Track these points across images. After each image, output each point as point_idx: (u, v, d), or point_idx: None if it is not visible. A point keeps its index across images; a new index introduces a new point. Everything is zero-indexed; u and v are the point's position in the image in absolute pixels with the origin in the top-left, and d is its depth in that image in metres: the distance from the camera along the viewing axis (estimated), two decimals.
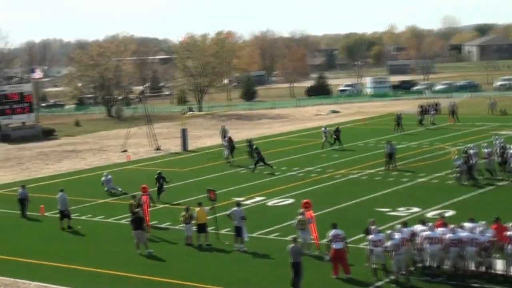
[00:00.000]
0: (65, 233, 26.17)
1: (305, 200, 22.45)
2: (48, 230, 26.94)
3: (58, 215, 27.33)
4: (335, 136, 44.75)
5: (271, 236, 24.16)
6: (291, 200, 29.72)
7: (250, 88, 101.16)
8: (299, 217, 21.86)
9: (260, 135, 55.83)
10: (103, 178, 33.93)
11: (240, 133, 58.10)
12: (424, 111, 57.19)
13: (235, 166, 39.35)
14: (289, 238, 21.79)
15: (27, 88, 65.46)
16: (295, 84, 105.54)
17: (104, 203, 31.32)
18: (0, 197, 34.46)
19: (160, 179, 32.32)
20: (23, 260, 22.73)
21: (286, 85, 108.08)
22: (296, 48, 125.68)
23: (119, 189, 33.51)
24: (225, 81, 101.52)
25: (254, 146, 39.32)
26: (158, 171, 33.62)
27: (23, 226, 27.92)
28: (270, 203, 29.67)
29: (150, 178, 34.00)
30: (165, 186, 31.38)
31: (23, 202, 29.51)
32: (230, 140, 40.54)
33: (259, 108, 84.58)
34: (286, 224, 25.04)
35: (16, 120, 63.99)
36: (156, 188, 31.17)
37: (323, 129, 45.99)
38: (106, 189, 33.45)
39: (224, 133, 48.64)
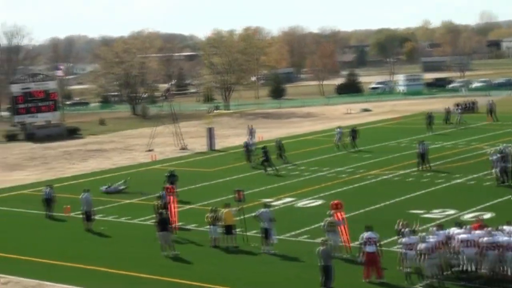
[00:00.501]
0: (90, 234, 26.47)
1: (335, 201, 22.39)
2: (73, 231, 27.26)
3: (82, 216, 27.62)
4: (351, 137, 43.97)
5: (300, 238, 24.16)
6: (320, 201, 29.65)
7: (278, 86, 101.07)
8: (329, 218, 21.81)
9: (288, 134, 55.75)
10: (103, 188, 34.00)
11: (268, 133, 58.09)
12: (463, 109, 56.71)
13: (261, 167, 39.35)
14: (318, 240, 21.74)
15: (52, 85, 66.23)
16: (325, 82, 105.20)
17: (129, 203, 31.61)
18: (25, 197, 34.98)
19: (172, 177, 32.56)
20: (48, 262, 23.05)
21: (316, 82, 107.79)
22: (325, 45, 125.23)
23: (122, 186, 33.90)
24: (253, 78, 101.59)
25: (263, 146, 39.20)
26: (171, 170, 33.82)
27: (48, 227, 28.31)
28: (299, 204, 29.66)
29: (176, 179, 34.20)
30: (178, 190, 31.01)
31: (48, 202, 29.88)
32: (247, 145, 40.12)
33: (287, 107, 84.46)
34: (315, 226, 24.96)
35: (41, 119, 64.78)
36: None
37: (337, 129, 45.26)
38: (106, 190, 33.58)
39: (251, 133, 48.62)
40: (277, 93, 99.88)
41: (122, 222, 28.16)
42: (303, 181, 34.67)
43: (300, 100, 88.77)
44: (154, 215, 26.05)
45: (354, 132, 44.41)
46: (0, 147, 58.31)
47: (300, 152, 44.13)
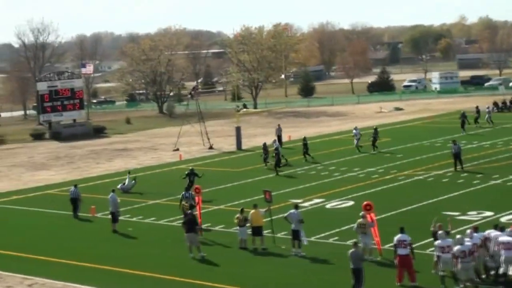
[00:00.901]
0: (116, 235, 26.67)
1: (366, 202, 22.26)
2: (99, 231, 27.51)
3: (109, 217, 27.86)
4: (372, 138, 43.11)
5: (330, 240, 24.08)
6: (351, 203, 29.53)
7: (308, 84, 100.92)
8: (360, 220, 21.70)
9: (318, 134, 55.63)
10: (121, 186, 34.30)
11: (297, 131, 58.02)
12: (502, 107, 55.95)
13: (289, 167, 39.31)
14: (349, 242, 21.64)
15: (78, 83, 66.84)
16: (356, 80, 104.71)
17: (155, 204, 31.79)
18: (51, 197, 35.39)
19: (191, 176, 32.60)
20: (74, 263, 23.27)
21: (346, 80, 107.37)
22: (357, 41, 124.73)
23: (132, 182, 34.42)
24: (282, 76, 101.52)
25: (275, 146, 38.99)
26: (190, 167, 33.94)
27: (74, 227, 28.59)
28: (329, 205, 29.57)
29: (202, 178, 34.36)
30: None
31: (75, 202, 30.16)
32: (265, 147, 39.80)
33: (317, 105, 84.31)
34: (346, 227, 24.90)
35: (67, 117, 65.43)
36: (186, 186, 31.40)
37: (354, 131, 44.45)
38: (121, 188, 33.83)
39: (278, 132, 48.56)
40: (307, 91, 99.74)
41: (148, 223, 28.34)
42: (332, 182, 34.55)
43: (330, 98, 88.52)
44: (181, 216, 26.20)
45: (376, 132, 43.62)
46: (26, 146, 59.14)
47: (330, 152, 43.98)
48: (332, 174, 36.53)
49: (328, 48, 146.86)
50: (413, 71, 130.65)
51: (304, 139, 42.14)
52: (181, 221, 24.58)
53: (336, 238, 24.24)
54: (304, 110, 79.34)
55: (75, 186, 30.84)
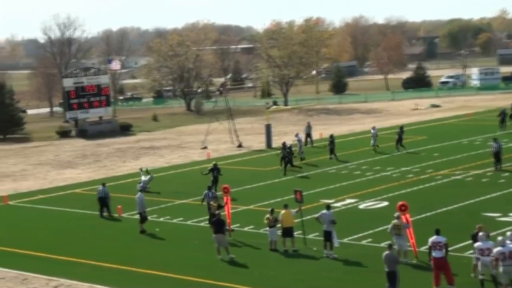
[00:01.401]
0: (143, 236, 26.83)
1: (401, 203, 22.10)
2: (126, 232, 27.71)
3: (137, 217, 28.02)
4: (397, 137, 42.41)
5: (363, 242, 23.96)
6: (385, 203, 29.36)
7: (340, 80, 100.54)
8: (395, 221, 21.56)
9: (350, 131, 55.40)
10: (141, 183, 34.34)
11: (328, 129, 57.77)
12: None
13: (315, 167, 39.22)
14: (383, 244, 21.51)
15: (104, 80, 67.40)
16: (390, 76, 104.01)
17: (183, 204, 31.92)
18: (77, 196, 35.76)
19: (214, 171, 32.63)
20: (100, 264, 23.46)
21: (380, 76, 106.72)
22: (391, 36, 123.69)
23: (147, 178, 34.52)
24: (313, 72, 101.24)
25: (288, 146, 38.65)
26: (214, 162, 34.05)
27: (100, 227, 28.84)
28: (362, 206, 29.44)
29: (231, 178, 34.50)
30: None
31: (103, 201, 30.38)
32: (284, 147, 39.34)
33: (349, 102, 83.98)
34: (380, 229, 24.79)
35: (93, 114, 66.00)
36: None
37: (372, 130, 43.78)
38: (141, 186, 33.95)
39: (308, 130, 48.29)
40: (339, 87, 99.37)
41: (175, 223, 28.47)
42: (366, 181, 34.38)
43: (363, 95, 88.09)
44: (209, 216, 26.30)
45: (401, 131, 42.71)
46: (53, 144, 59.86)
47: (362, 151, 43.76)
48: (365, 174, 36.34)
49: (361, 43, 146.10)
50: (450, 66, 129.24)
51: (331, 137, 41.87)
52: (209, 222, 24.63)
53: (370, 239, 24.11)
54: (336, 107, 79.06)
55: (103, 184, 30.98)
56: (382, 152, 42.57)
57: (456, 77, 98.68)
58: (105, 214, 30.23)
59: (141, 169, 36.86)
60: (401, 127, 43.61)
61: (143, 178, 35.17)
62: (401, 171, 36.25)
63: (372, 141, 43.24)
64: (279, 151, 39.01)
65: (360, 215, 27.97)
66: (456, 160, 38.52)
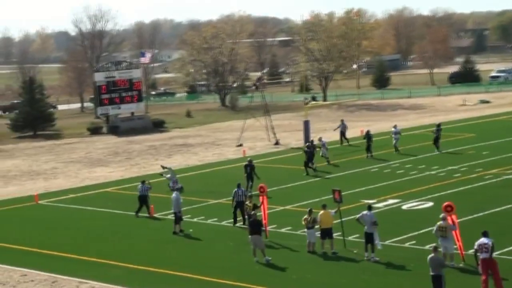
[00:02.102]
0: (176, 237, 26.96)
1: (447, 203, 21.89)
2: (159, 232, 27.89)
3: (170, 217, 28.22)
4: (434, 136, 41.35)
5: (406, 245, 23.82)
6: (430, 203, 29.15)
7: (382, 74, 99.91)
8: (440, 222, 21.38)
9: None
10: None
11: (370, 126, 57.38)
12: None
13: (356, 166, 39.03)
14: (428, 247, 21.35)
15: (136, 74, 67.81)
16: (436, 70, 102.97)
17: (217, 204, 32.04)
18: (109, 196, 36.12)
19: (248, 167, 32.70)
20: (132, 266, 23.60)
21: (425, 70, 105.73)
22: (437, 28, 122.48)
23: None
24: (354, 66, 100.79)
25: (310, 143, 38.40)
26: (248, 158, 34.11)
27: (132, 228, 29.04)
28: (406, 206, 29.26)
29: (267, 176, 34.50)
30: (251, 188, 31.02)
31: (142, 199, 30.51)
32: (312, 146, 39.12)
33: (392, 97, 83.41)
34: (424, 230, 24.62)
35: (124, 110, 66.58)
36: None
37: (393, 129, 42.98)
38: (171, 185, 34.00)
39: (342, 128, 47.70)
40: (381, 82, 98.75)
41: (209, 224, 28.60)
42: (409, 181, 34.15)
43: (407, 90, 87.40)
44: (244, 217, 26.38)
45: (438, 130, 41.80)
46: (83, 141, 60.59)
47: (406, 148, 43.45)
48: (409, 172, 36.08)
49: (405, 35, 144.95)
50: (501, 60, 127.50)
51: (367, 133, 41.44)
52: (244, 222, 24.67)
53: (414, 242, 23.96)
54: (378, 103, 78.58)
55: (143, 182, 31.07)
56: (428, 150, 42.05)
57: (508, 71, 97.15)
58: (140, 214, 30.38)
59: (161, 173, 36.23)
60: (438, 125, 42.49)
61: (169, 175, 35.00)
62: (447, 170, 35.92)
63: (393, 141, 42.31)
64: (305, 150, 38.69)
65: (403, 216, 27.80)
66: (507, 159, 38.02)
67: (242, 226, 27.06)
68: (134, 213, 30.53)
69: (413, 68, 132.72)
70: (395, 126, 43.38)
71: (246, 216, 25.95)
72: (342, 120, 48.61)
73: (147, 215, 30.35)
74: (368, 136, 41.36)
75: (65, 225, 30.14)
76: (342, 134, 47.55)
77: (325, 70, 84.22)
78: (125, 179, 40.10)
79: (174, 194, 28.04)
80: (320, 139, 40.92)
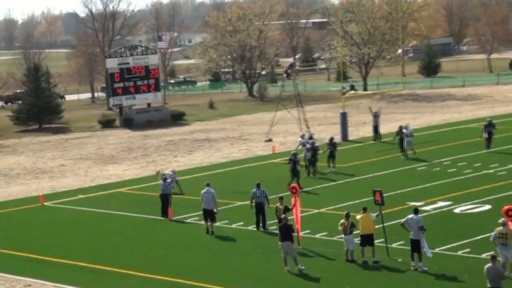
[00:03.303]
0: (197, 243, 27.02)
1: (508, 207, 21.69)
2: (179, 238, 28.01)
3: (190, 221, 28.34)
4: (486, 134, 40.35)
5: (459, 253, 23.68)
6: (487, 207, 29.00)
7: (431, 60, 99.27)
8: (500, 228, 21.19)
9: (444, 121, 54.68)
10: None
11: (417, 119, 57.18)
12: None
13: (400, 163, 38.79)
14: (485, 256, 21.17)
15: (153, 60, 68.01)
16: (494, 55, 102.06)
17: (243, 206, 31.99)
18: (123, 197, 36.30)
19: (291, 162, 33.15)
20: (149, 276, 23.69)
21: (482, 56, 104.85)
22: (496, 8, 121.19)
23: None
24: (399, 51, 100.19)
25: (333, 140, 38.18)
26: (293, 152, 34.56)
27: (148, 233, 29.15)
28: (458, 209, 29.10)
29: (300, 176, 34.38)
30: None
31: (164, 198, 30.66)
32: (331, 143, 38.28)
33: (443, 86, 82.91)
34: (480, 237, 24.52)
35: (140, 101, 66.94)
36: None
37: (405, 130, 40.84)
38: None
39: (375, 121, 47.09)
40: (430, 69, 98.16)
41: (234, 229, 28.63)
42: (463, 181, 33.95)
43: (460, 78, 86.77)
44: (274, 221, 26.36)
45: (490, 126, 40.69)
46: (94, 135, 61.07)
47: (459, 144, 43.24)
48: (462, 171, 35.86)
49: (458, 16, 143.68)
50: None
51: (400, 128, 40.75)
52: (275, 227, 24.64)
53: (468, 250, 23.82)
54: (426, 93, 78.16)
55: (164, 180, 31.19)
56: (492, 145, 41.65)
57: None
58: (155, 217, 30.58)
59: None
60: (490, 121, 41.15)
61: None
62: (508, 169, 35.66)
63: (404, 143, 40.06)
64: (326, 149, 38.10)
65: (455, 220, 27.65)
66: None
67: (261, 230, 27.47)
68: (160, 216, 30.62)
69: (467, 53, 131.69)
70: (406, 127, 41.21)
71: (277, 220, 25.96)
72: (375, 112, 47.74)
73: (163, 217, 30.45)
74: (400, 131, 40.51)
75: (73, 229, 30.34)
76: (375, 128, 47.01)
77: (365, 55, 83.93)
78: (141, 178, 40.31)
79: (205, 189, 28.29)
80: (302, 136, 39.47)
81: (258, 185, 28.09)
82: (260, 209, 27.71)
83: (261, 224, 27.85)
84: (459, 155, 39.94)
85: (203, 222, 28.61)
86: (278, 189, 32.25)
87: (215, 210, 28.24)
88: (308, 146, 36.21)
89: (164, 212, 30.65)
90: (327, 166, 37.67)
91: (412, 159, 39.69)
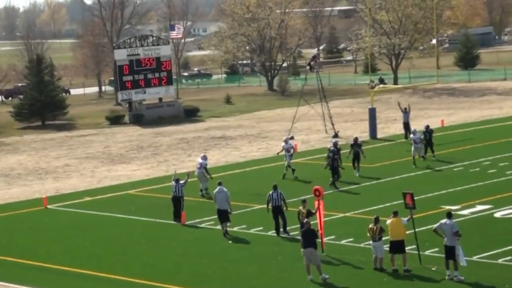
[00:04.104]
0: (213, 250, 27.08)
1: None
2: (193, 245, 28.09)
3: (205, 226, 28.42)
4: None
5: (500, 261, 23.61)
6: None
7: (469, 51, 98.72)
8: None
9: (484, 118, 54.40)
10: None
11: (453, 115, 56.99)
12: None
13: (434, 163, 38.67)
14: None
15: (165, 51, 68.12)
16: None
17: (261, 209, 31.90)
18: (132, 199, 36.37)
19: (329, 158, 33.58)
20: (160, 285, 23.74)
21: None
22: None
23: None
24: (433, 41, 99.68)
25: (358, 141, 37.86)
26: (334, 140, 34.32)
27: (159, 239, 29.27)
28: (499, 214, 29.01)
29: (323, 177, 34.40)
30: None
31: (177, 201, 30.77)
32: (356, 144, 37.80)
33: (482, 80, 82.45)
34: None
35: (151, 95, 67.13)
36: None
37: (412, 135, 40.01)
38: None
39: (405, 118, 46.73)
40: (467, 61, 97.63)
41: (253, 234, 28.65)
42: (504, 182, 33.86)
43: (501, 70, 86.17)
44: (296, 226, 26.38)
45: None
46: (101, 132, 61.26)
47: (500, 142, 42.98)
48: (504, 172, 35.77)
49: (499, 3, 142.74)
50: None
51: (427, 128, 40.33)
52: (297, 233, 24.64)
53: (509, 258, 23.76)
54: (463, 86, 77.79)
55: (177, 180, 31.17)
56: None
57: None
58: (166, 221, 30.71)
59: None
60: None
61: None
62: None
63: (412, 149, 38.89)
64: (350, 150, 37.75)
65: (496, 225, 27.56)
66: None
67: (282, 235, 27.64)
68: (172, 220, 30.79)
69: (509, 44, 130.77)
70: (413, 132, 40.23)
71: (299, 225, 25.95)
72: (405, 108, 47.40)
73: (175, 222, 30.56)
74: (426, 131, 39.98)
75: (79, 234, 30.47)
76: (405, 125, 46.52)
77: (396, 46, 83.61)
78: (152, 179, 40.43)
79: (217, 189, 28.64)
80: (286, 141, 39.16)
81: (275, 187, 28.18)
82: (278, 213, 27.80)
83: (281, 229, 27.92)
84: (500, 154, 39.68)
85: (218, 226, 28.71)
86: (300, 191, 32.22)
87: (229, 210, 28.43)
88: (332, 147, 35.94)
89: (177, 216, 30.77)
90: (354, 169, 37.37)
91: (448, 158, 39.48)
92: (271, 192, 28.02)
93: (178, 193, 30.87)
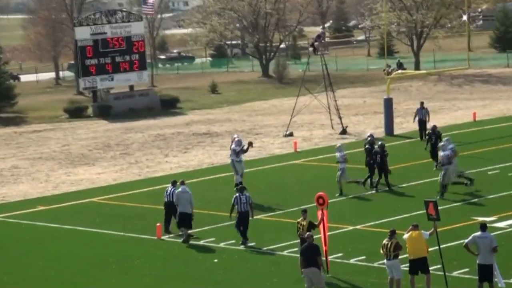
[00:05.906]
0: (194, 268, 27.13)
1: None
2: (170, 262, 28.14)
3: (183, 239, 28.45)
4: None
5: None
6: None
7: (508, 31, 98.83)
8: None
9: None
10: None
11: (489, 107, 57.05)
12: None
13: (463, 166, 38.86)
14: None
15: (137, 29, 67.72)
16: None
17: (256, 221, 32.00)
18: (97, 208, 36.34)
19: (375, 155, 33.93)
20: None
21: None
22: None
23: None
24: (463, 17, 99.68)
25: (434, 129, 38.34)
26: (369, 137, 35.51)
27: (132, 256, 29.26)
28: None
29: (328, 182, 34.51)
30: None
31: (169, 208, 30.80)
32: (371, 143, 38.04)
33: None
34: None
35: (120, 83, 67.03)
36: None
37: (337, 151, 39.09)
38: None
39: (421, 115, 46.50)
40: (506, 42, 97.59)
41: (243, 251, 28.68)
42: None
43: None
44: (296, 241, 26.46)
45: None
46: (59, 127, 61.09)
47: None
48: None
49: None
50: None
51: (434, 128, 40.19)
52: (297, 249, 24.73)
53: None
54: (501, 72, 77.83)
55: (173, 184, 31.13)
56: None
57: None
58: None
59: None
60: None
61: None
62: None
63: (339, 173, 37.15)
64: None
65: None
66: None
67: (242, 248, 28.22)
68: (146, 235, 30.90)
69: None
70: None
71: (299, 240, 25.98)
72: (421, 103, 47.14)
73: (167, 233, 30.75)
74: (432, 131, 39.86)
75: (31, 251, 30.40)
76: (421, 123, 46.03)
77: (417, 23, 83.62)
78: (121, 183, 40.40)
79: (181, 188, 29.30)
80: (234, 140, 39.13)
81: (241, 189, 28.44)
82: (244, 221, 28.37)
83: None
84: None
85: (202, 241, 28.87)
86: (302, 199, 32.32)
87: (192, 214, 28.97)
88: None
89: (167, 227, 30.92)
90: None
91: (479, 161, 39.58)
92: (237, 194, 28.33)
93: (173, 198, 30.74)
